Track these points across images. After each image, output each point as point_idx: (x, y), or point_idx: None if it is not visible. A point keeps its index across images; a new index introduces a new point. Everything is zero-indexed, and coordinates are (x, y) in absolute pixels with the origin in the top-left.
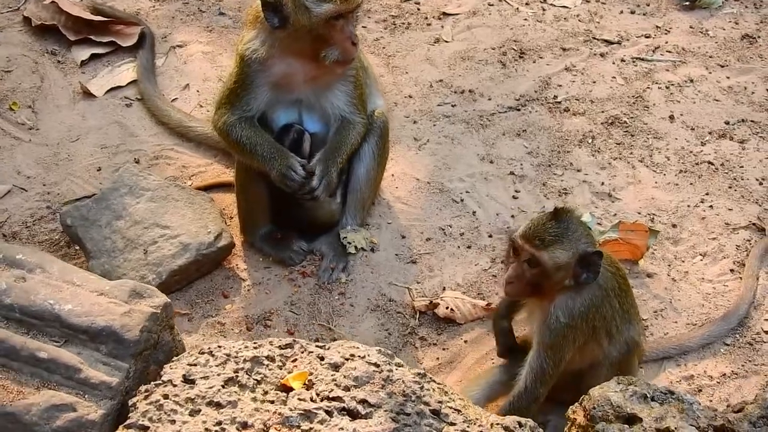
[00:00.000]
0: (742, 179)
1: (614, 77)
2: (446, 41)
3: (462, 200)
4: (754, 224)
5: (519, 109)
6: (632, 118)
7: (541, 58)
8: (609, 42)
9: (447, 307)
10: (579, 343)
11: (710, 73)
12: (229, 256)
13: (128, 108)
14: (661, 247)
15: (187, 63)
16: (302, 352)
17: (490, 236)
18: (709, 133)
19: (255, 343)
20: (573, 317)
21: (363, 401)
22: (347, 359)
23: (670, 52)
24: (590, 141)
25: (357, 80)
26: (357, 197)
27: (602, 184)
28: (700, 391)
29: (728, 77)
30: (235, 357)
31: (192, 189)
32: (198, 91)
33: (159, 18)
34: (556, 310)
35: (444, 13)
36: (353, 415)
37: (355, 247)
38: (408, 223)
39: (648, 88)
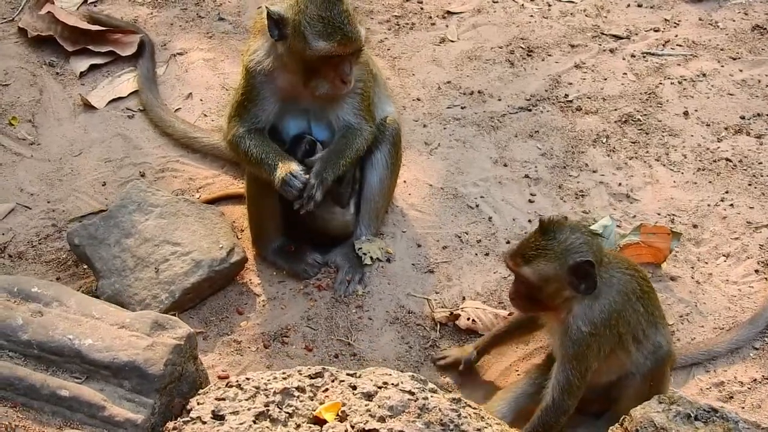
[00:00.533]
0: (762, 176)
1: (625, 73)
2: (452, 41)
3: (477, 206)
4: None
5: (530, 110)
6: (646, 115)
7: (549, 55)
8: (617, 37)
9: (468, 318)
10: (605, 352)
11: (722, 66)
12: (242, 270)
13: (131, 119)
14: (683, 249)
15: (188, 71)
16: (333, 381)
17: (508, 242)
18: (725, 128)
19: (283, 373)
20: (595, 325)
21: None
22: (380, 387)
23: (680, 45)
24: (604, 140)
25: (364, 92)
26: (371, 207)
27: (619, 184)
28: (731, 398)
29: (741, 70)
30: (265, 390)
31: (201, 203)
32: (201, 100)
33: (157, 25)
34: (575, 320)
35: (448, 12)
36: None
37: (371, 257)
38: (423, 231)
39: (660, 83)
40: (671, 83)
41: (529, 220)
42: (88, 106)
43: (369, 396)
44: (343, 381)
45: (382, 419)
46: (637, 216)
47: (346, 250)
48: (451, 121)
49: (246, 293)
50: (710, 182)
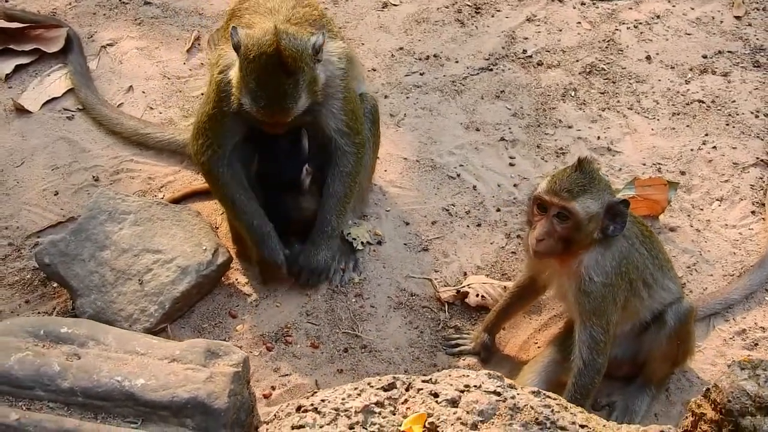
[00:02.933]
0: (737, 114)
1: (579, 23)
2: (395, 4)
3: (458, 175)
4: (762, 160)
5: (491, 69)
6: (609, 63)
7: (498, 11)
8: None
9: (477, 295)
10: (620, 302)
11: (674, 6)
12: (227, 271)
13: (70, 121)
14: (677, 198)
15: (123, 62)
16: (408, 390)
17: (498, 210)
18: (690, 69)
19: (355, 388)
20: (606, 274)
21: None
22: (462, 391)
23: None
24: (573, 94)
25: (347, 93)
26: None
27: (598, 138)
28: (756, 344)
29: (692, 8)
30: (345, 410)
31: (173, 204)
32: (144, 92)
33: (79, 16)
34: (587, 271)
35: None
36: None
37: (361, 242)
38: (408, 208)
39: (616, 29)
40: (627, 28)
41: (515, 185)
42: (21, 111)
43: (454, 402)
44: (421, 389)
45: (475, 426)
46: (622, 168)
47: None
48: (412, 89)
49: (235, 295)
50: (688, 126)
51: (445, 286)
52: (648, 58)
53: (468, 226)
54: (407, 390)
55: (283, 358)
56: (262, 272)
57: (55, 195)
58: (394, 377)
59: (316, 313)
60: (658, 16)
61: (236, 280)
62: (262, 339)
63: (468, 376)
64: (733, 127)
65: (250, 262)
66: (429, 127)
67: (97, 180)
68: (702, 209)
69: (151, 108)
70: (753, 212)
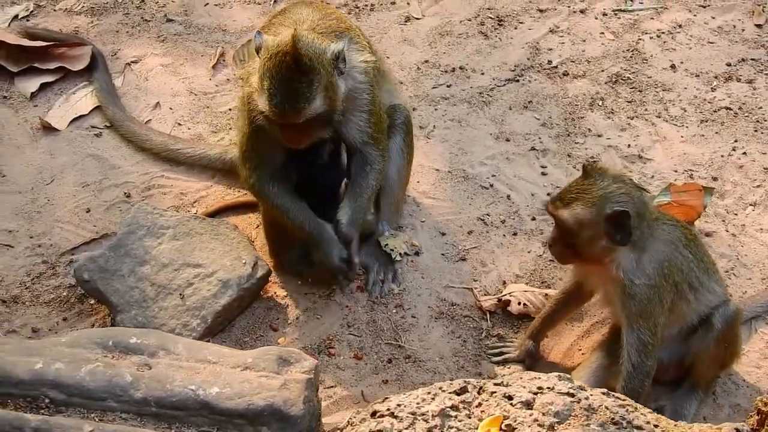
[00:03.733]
0: (765, 120)
1: (602, 33)
2: (417, 18)
3: (491, 185)
4: None
5: (517, 80)
6: (634, 73)
7: (521, 23)
8: None
9: (519, 303)
10: (667, 304)
11: (695, 15)
12: (266, 284)
13: (98, 138)
14: (710, 204)
15: (148, 79)
16: (480, 393)
17: (534, 219)
18: (715, 77)
19: (426, 392)
20: (648, 276)
21: None
22: (536, 394)
23: None
24: (600, 103)
25: (373, 106)
26: (391, 200)
27: (628, 146)
28: None
29: (713, 17)
30: (422, 414)
31: (212, 219)
32: (171, 108)
33: (102, 34)
34: (627, 275)
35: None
36: None
37: (399, 253)
38: (443, 219)
39: (640, 39)
40: (650, 38)
41: (548, 193)
42: (49, 129)
43: (528, 404)
44: (494, 392)
45: (552, 428)
46: (654, 176)
47: (372, 248)
48: (440, 101)
49: (275, 308)
50: (717, 133)
51: (486, 295)
52: (672, 66)
53: (504, 235)
54: (479, 393)
55: (327, 370)
56: (320, 272)
57: (87, 212)
58: (465, 381)
59: (358, 325)
60: (680, 26)
61: (275, 293)
62: (306, 351)
63: (539, 378)
64: (762, 132)
65: (288, 269)
66: (459, 138)
67: (129, 196)
68: (736, 214)
69: (179, 124)
70: None
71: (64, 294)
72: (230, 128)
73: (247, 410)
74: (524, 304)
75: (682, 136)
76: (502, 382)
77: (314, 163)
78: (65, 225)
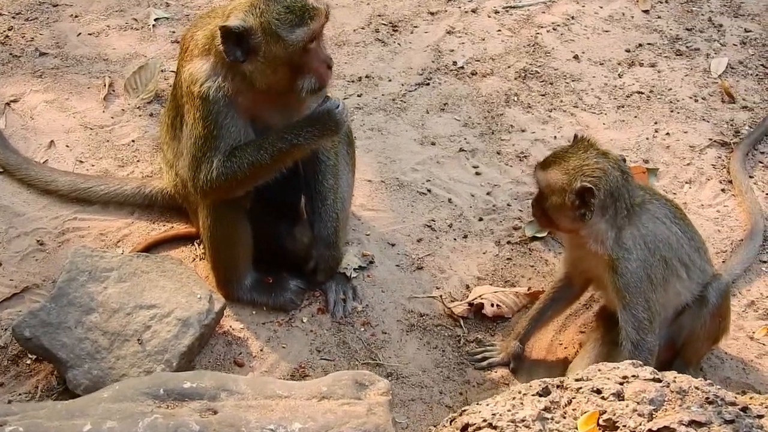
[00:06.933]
0: (678, 101)
1: (499, 30)
2: None
3: (429, 190)
4: (714, 141)
5: (427, 84)
6: (540, 66)
7: (416, 27)
8: None
9: (492, 305)
10: (657, 279)
11: (583, 6)
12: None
13: None
14: (651, 186)
15: (34, 118)
16: (564, 390)
17: (481, 219)
18: (618, 64)
19: (510, 397)
20: (628, 250)
21: (692, 423)
22: (622, 384)
23: None
24: (515, 99)
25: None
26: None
27: (554, 138)
28: None
29: (601, 7)
30: (521, 420)
31: (155, 255)
32: (67, 146)
33: None
34: (609, 251)
35: None
36: None
37: (353, 269)
38: (389, 229)
39: (537, 33)
40: (547, 31)
41: (488, 193)
42: None
43: (620, 396)
44: (580, 388)
45: (650, 416)
46: None
47: None
48: (355, 111)
49: (235, 342)
50: (636, 117)
51: (453, 301)
52: (576, 57)
53: (455, 239)
54: (564, 390)
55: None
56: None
57: None
58: (543, 381)
59: (328, 348)
60: (572, 17)
61: (231, 327)
62: None
63: (618, 368)
64: (678, 112)
65: (240, 300)
66: (383, 146)
67: (43, 244)
68: (675, 194)
69: (81, 161)
70: (723, 190)
71: None
72: (138, 161)
73: None
74: (497, 305)
75: (603, 123)
76: (582, 377)
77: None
78: None
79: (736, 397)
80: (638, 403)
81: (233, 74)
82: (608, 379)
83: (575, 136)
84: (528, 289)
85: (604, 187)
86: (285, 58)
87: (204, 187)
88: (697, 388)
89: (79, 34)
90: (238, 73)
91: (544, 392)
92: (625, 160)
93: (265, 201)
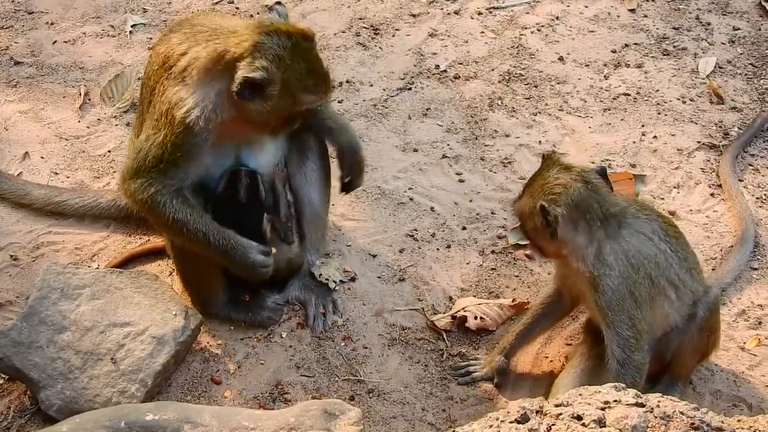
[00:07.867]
0: (665, 102)
1: (482, 32)
2: None
3: (411, 199)
4: (703, 143)
5: (409, 88)
6: (525, 68)
7: (397, 30)
8: None
9: (476, 317)
10: (642, 297)
11: (568, 6)
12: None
13: None
14: (639, 192)
15: (8, 129)
16: (542, 416)
17: (464, 228)
18: (604, 65)
19: (488, 425)
20: (609, 266)
21: None
22: (603, 409)
23: None
24: (499, 102)
25: None
26: (316, 227)
27: (539, 143)
28: (761, 323)
29: (586, 6)
30: None
31: (130, 271)
32: (42, 157)
33: None
34: (589, 269)
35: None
36: None
37: (334, 281)
38: (370, 240)
39: (521, 34)
40: (531, 32)
41: (471, 200)
42: None
43: (601, 422)
44: (560, 414)
45: None
46: None
47: (303, 281)
48: None
49: (212, 359)
50: (622, 120)
51: (436, 314)
52: (561, 59)
53: (438, 249)
54: (543, 417)
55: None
56: (252, 280)
57: None
58: (521, 406)
59: (307, 365)
60: (556, 18)
61: (208, 343)
62: (257, 401)
63: (600, 392)
64: (666, 114)
65: (217, 316)
66: (364, 154)
67: (16, 259)
68: (663, 198)
69: (56, 173)
70: (712, 195)
71: None
72: (114, 171)
73: None
74: (481, 318)
75: (589, 127)
76: (562, 402)
77: (230, 199)
78: None
79: (722, 422)
80: (620, 430)
81: (228, 106)
82: (589, 404)
83: (543, 156)
84: (513, 301)
85: (565, 202)
86: (289, 110)
87: (127, 192)
88: (681, 413)
89: (55, 42)
90: (234, 105)
91: (523, 419)
92: (605, 169)
93: (227, 225)
